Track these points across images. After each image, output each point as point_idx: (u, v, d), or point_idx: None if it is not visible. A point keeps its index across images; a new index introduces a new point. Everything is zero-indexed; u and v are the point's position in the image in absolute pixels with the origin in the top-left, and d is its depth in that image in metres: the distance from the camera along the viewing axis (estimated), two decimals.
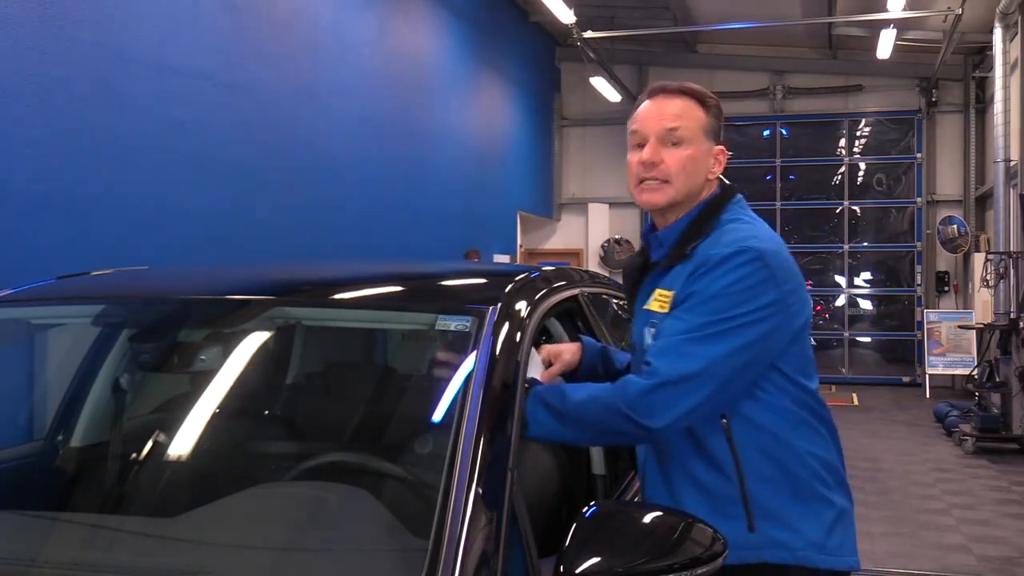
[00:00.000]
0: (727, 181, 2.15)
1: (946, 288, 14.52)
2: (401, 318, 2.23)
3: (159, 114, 5.86)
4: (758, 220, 2.08)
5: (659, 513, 1.73)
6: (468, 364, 1.84)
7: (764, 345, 1.90)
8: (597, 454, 2.48)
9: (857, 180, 15.37)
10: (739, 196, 2.09)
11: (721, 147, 2.08)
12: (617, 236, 15.18)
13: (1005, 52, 10.47)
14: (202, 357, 2.25)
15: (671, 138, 2.01)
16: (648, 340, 1.98)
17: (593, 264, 15.09)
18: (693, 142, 2.02)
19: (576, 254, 15.58)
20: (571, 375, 2.20)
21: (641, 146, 2.04)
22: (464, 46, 11.39)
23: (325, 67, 8.02)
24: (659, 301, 2.00)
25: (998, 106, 10.65)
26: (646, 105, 2.07)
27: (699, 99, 2.06)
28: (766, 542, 1.92)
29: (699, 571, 1.62)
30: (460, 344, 1.92)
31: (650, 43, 15.02)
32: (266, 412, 2.47)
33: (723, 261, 1.89)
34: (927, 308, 14.25)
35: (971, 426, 9.44)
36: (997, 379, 9.57)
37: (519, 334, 1.96)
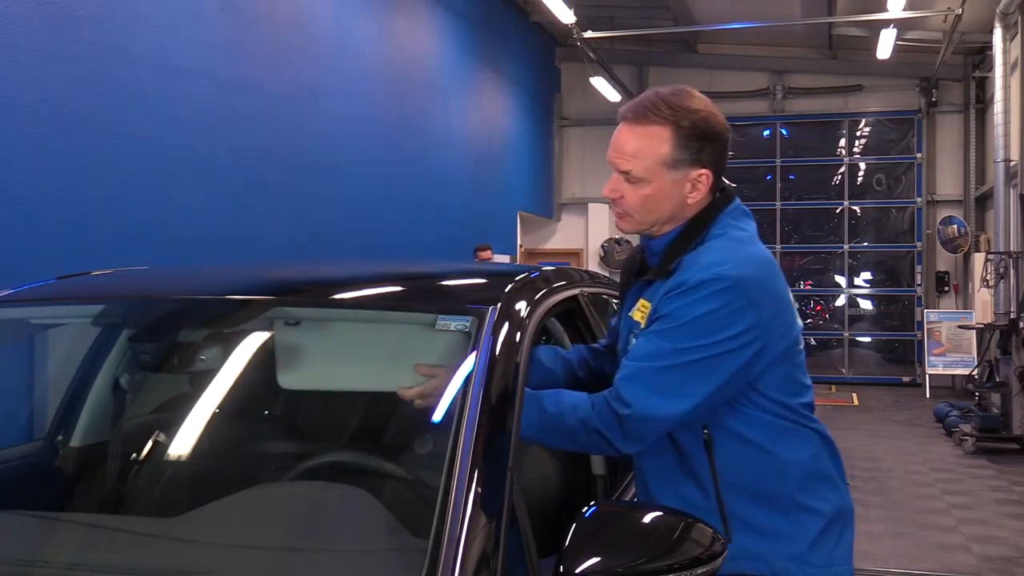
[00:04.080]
0: (732, 184, 2.11)
1: (946, 288, 14.52)
2: (401, 318, 2.23)
3: (159, 113, 5.86)
4: (747, 233, 1.99)
5: (659, 513, 1.72)
6: (468, 364, 1.84)
7: (739, 370, 1.85)
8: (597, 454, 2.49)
9: (857, 180, 15.38)
10: (733, 205, 2.01)
11: (702, 171, 1.95)
12: (617, 236, 15.18)
13: (1005, 52, 10.46)
14: (202, 357, 2.25)
15: (628, 178, 1.97)
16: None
17: (593, 264, 15.09)
18: (651, 181, 1.94)
19: (576, 254, 15.59)
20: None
21: None
22: (464, 46, 11.39)
23: (325, 67, 8.02)
24: (641, 311, 1.97)
25: (998, 106, 10.65)
26: (615, 133, 2.01)
27: (671, 121, 1.93)
28: (742, 553, 1.88)
29: (699, 571, 1.62)
30: (460, 344, 1.92)
31: (650, 43, 15.02)
32: (266, 412, 2.47)
33: (696, 288, 1.84)
34: (927, 308, 14.25)
35: (971, 426, 9.44)
36: (997, 379, 9.57)
37: (519, 334, 1.95)
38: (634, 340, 1.96)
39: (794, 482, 1.93)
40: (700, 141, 1.95)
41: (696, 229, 1.96)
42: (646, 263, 2.10)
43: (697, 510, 1.88)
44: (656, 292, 1.94)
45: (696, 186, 1.96)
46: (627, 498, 2.42)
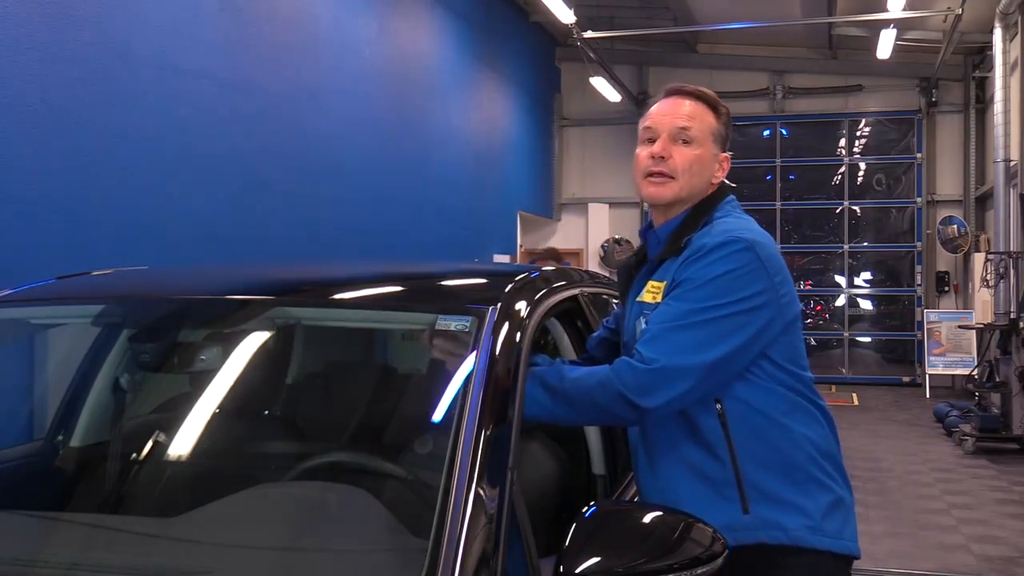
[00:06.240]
0: (730, 184, 2.19)
1: (946, 288, 14.51)
2: (401, 318, 2.23)
3: (159, 113, 5.86)
4: (749, 218, 2.13)
5: (659, 513, 1.73)
6: (468, 364, 1.84)
7: (756, 332, 1.93)
8: (597, 454, 2.49)
9: (857, 180, 15.37)
10: (732, 196, 2.16)
11: (727, 155, 2.16)
12: (617, 236, 15.18)
13: (1005, 52, 10.46)
14: (202, 357, 2.25)
15: (682, 136, 2.08)
16: (641, 329, 2.02)
17: (593, 264, 15.09)
18: (702, 144, 2.09)
19: (576, 254, 15.58)
20: None
21: (652, 141, 2.10)
22: (464, 46, 11.39)
23: (325, 67, 8.02)
24: (651, 292, 2.04)
25: (998, 106, 10.65)
26: (661, 103, 2.14)
27: (712, 106, 2.14)
28: (761, 523, 1.94)
29: (699, 571, 1.63)
30: (460, 344, 1.92)
31: (650, 43, 15.02)
32: (266, 412, 2.47)
33: (715, 249, 1.94)
34: (927, 308, 14.24)
35: (971, 426, 9.44)
36: (997, 379, 9.57)
37: (519, 334, 1.95)
38: (644, 321, 2.01)
39: (806, 455, 1.99)
40: (726, 129, 2.16)
41: (702, 211, 2.09)
42: (647, 259, 2.17)
43: (712, 480, 1.94)
44: (668, 270, 2.02)
45: (723, 167, 2.14)
46: (627, 498, 2.42)
